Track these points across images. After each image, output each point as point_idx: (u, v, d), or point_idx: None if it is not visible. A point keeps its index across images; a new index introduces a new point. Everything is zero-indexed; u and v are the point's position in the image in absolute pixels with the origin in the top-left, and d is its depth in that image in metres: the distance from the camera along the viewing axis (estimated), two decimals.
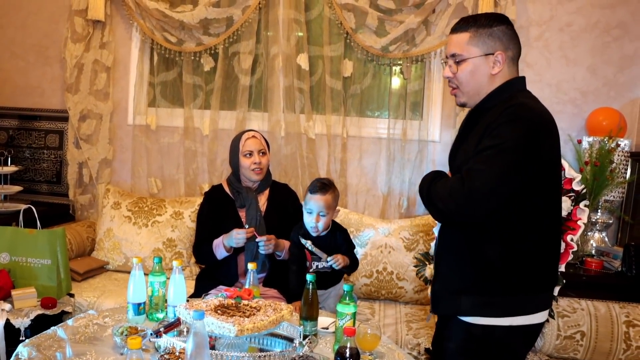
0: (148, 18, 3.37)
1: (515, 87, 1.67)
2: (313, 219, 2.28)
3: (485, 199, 1.51)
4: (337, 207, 2.37)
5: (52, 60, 3.64)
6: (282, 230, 2.53)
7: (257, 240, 2.42)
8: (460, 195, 1.52)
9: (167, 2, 3.33)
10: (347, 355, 1.51)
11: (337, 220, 2.96)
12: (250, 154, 2.57)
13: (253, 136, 2.62)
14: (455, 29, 1.69)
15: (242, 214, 2.58)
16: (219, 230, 2.54)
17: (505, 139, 1.50)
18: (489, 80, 1.66)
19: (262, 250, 2.42)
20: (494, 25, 1.63)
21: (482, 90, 1.67)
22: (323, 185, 2.30)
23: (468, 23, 1.66)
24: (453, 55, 1.68)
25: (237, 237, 2.41)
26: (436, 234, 1.81)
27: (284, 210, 2.63)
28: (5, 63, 3.72)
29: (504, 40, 1.64)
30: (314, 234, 2.33)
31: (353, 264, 2.41)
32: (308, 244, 2.29)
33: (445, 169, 1.82)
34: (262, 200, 2.64)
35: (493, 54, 1.63)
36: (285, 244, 2.52)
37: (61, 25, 3.54)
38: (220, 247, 2.49)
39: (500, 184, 1.51)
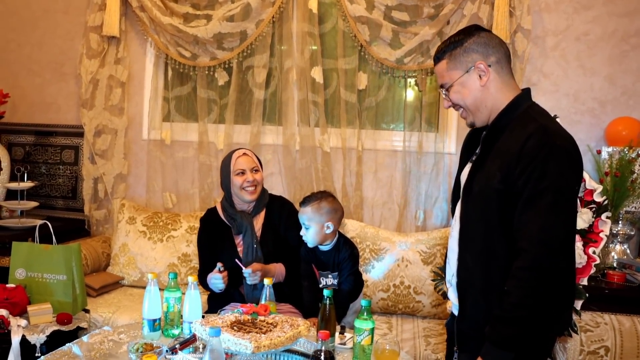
0: (162, 33, 3.39)
1: (524, 101, 1.64)
2: (301, 232, 2.32)
3: (568, 245, 1.53)
4: (328, 223, 2.29)
5: (67, 76, 3.67)
6: (277, 254, 2.46)
7: (242, 271, 2.33)
8: (546, 265, 1.47)
9: (181, 17, 3.35)
10: (322, 358, 1.57)
11: (352, 233, 2.95)
12: (243, 172, 2.48)
13: (244, 154, 2.53)
14: (435, 61, 1.71)
15: (239, 240, 2.52)
16: (217, 257, 2.45)
17: (554, 178, 1.47)
18: (483, 92, 1.64)
19: (249, 281, 2.33)
20: (465, 41, 1.64)
21: (482, 104, 1.65)
22: (306, 198, 2.35)
23: (441, 51, 1.67)
24: (442, 86, 1.70)
25: (214, 282, 2.35)
26: (452, 259, 1.73)
27: (279, 229, 2.54)
28: (22, 80, 3.76)
29: (479, 50, 1.63)
30: (315, 247, 2.34)
31: (352, 289, 2.30)
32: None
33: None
34: (258, 224, 2.54)
35: (473, 66, 1.62)
36: (277, 268, 2.43)
37: (77, 42, 3.58)
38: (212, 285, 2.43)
39: (573, 226, 1.57)
